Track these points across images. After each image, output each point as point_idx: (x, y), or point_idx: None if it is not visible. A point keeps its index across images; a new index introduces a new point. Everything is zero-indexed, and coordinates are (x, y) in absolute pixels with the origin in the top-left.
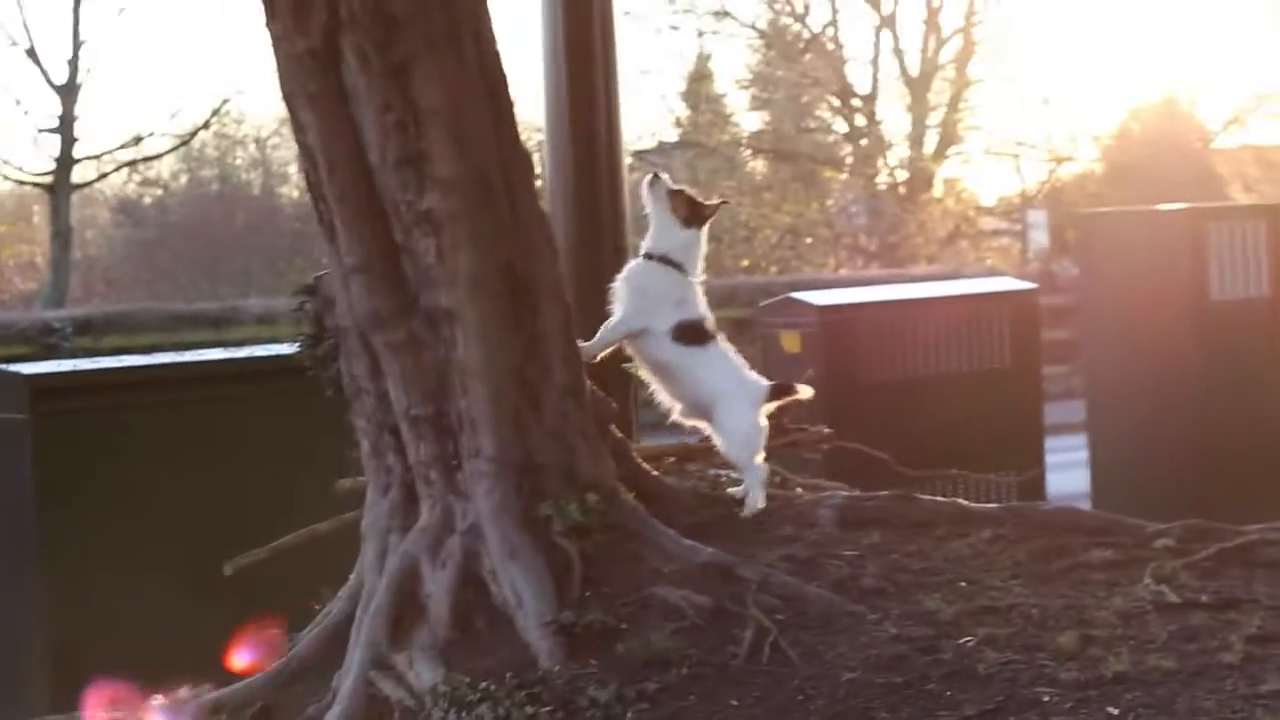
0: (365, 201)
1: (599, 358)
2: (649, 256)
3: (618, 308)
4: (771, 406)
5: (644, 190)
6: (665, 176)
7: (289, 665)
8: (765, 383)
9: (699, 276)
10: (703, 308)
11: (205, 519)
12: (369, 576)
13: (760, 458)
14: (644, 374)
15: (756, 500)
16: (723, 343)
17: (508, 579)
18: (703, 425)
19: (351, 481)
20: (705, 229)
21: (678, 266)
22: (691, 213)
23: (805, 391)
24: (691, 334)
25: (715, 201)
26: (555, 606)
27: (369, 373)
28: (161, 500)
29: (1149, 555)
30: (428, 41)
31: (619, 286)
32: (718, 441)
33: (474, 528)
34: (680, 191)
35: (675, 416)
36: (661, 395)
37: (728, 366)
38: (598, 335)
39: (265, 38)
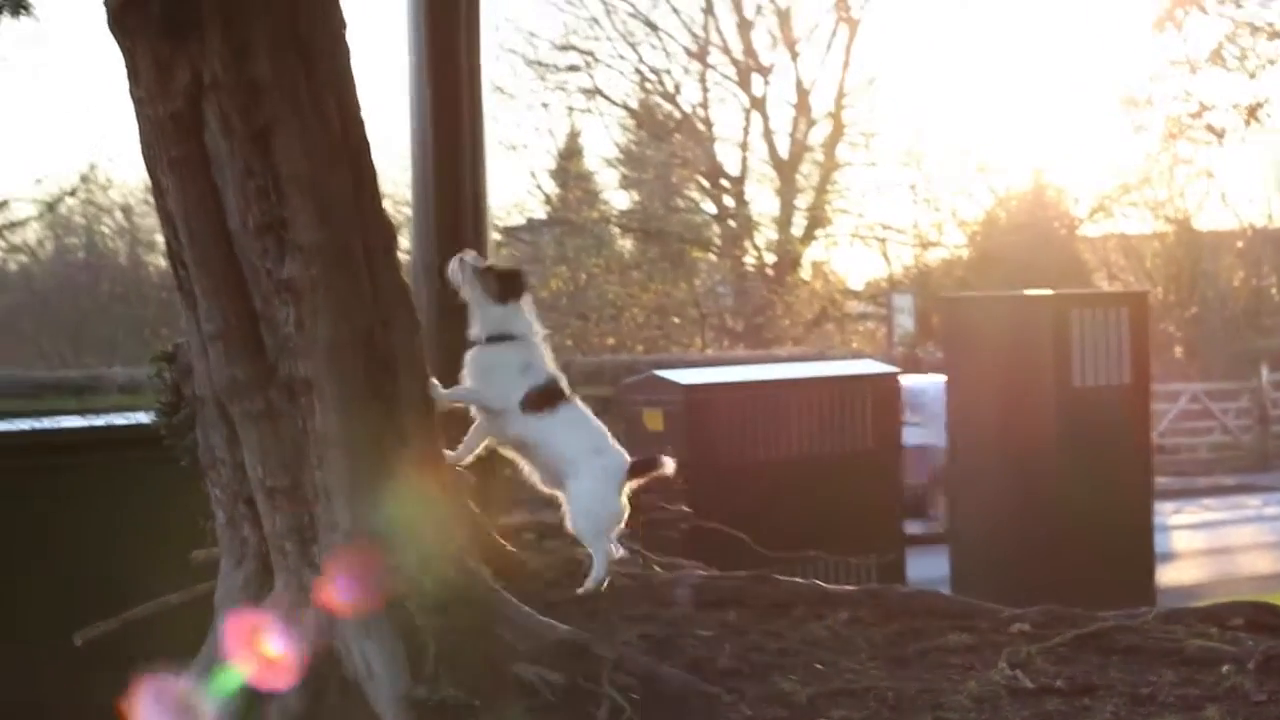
0: (225, 268)
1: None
2: (481, 342)
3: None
4: (634, 484)
5: (453, 270)
6: (471, 254)
7: None
8: (626, 457)
9: (539, 334)
10: (551, 367)
11: (58, 588)
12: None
13: (615, 532)
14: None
15: (598, 576)
16: (579, 406)
17: (362, 653)
18: (559, 494)
19: (206, 552)
20: (526, 299)
21: (510, 338)
22: (503, 288)
23: (669, 466)
24: (542, 399)
25: (523, 270)
26: (409, 682)
27: (226, 442)
28: (10, 568)
29: (1005, 640)
30: (291, 107)
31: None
32: (566, 512)
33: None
34: (489, 269)
35: (537, 483)
36: (523, 464)
37: (583, 432)
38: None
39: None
